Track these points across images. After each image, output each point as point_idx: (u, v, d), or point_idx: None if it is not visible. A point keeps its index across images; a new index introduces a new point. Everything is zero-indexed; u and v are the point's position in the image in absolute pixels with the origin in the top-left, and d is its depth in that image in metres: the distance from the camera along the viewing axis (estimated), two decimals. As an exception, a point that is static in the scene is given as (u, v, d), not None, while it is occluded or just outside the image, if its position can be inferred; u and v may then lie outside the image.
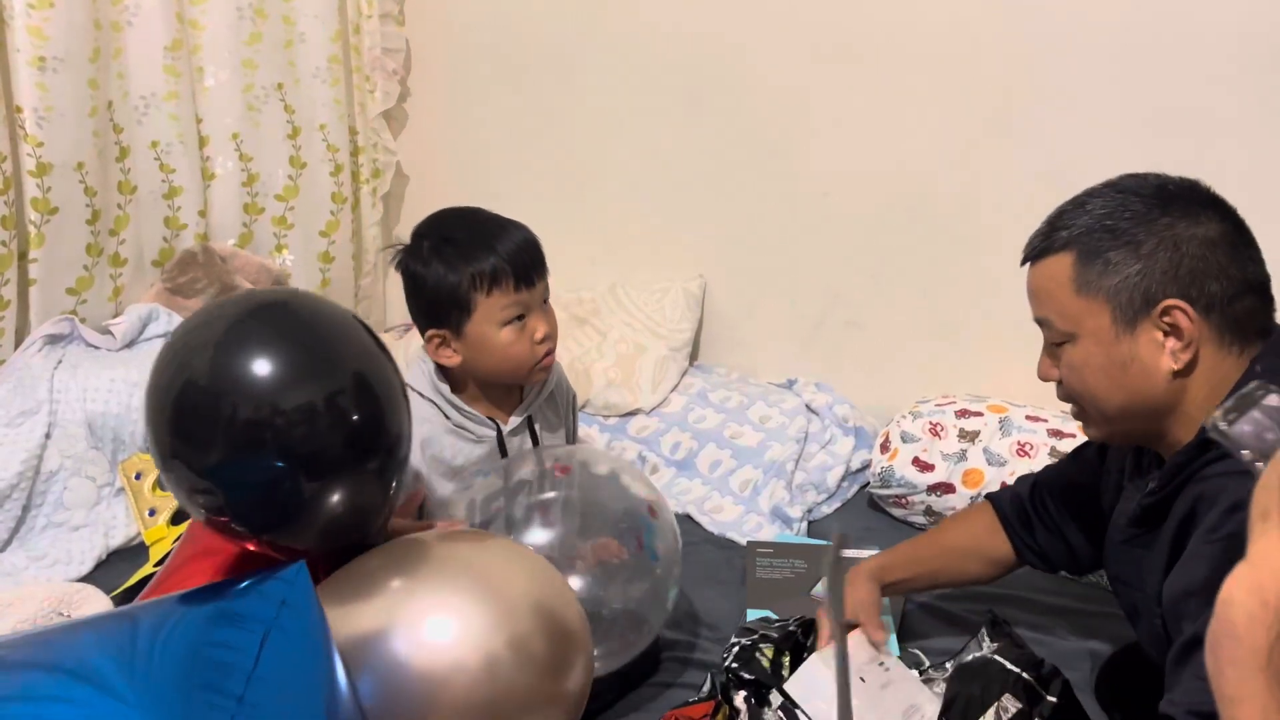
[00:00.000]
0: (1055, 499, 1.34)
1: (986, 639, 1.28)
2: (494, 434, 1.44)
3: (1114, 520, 1.19)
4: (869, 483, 1.94)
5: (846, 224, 2.12)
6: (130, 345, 1.96)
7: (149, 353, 1.94)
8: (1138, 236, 1.04)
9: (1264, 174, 1.70)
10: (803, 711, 1.19)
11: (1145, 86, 1.78)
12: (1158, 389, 1.05)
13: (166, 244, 2.18)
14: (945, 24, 1.92)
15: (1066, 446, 1.68)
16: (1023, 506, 1.37)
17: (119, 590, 1.58)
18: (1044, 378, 1.15)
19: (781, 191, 2.17)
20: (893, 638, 1.43)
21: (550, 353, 1.42)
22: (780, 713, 1.19)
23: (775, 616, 1.41)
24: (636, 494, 1.38)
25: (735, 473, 2.00)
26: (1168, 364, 1.04)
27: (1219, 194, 1.07)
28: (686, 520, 1.89)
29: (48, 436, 1.77)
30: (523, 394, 1.50)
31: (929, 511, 1.83)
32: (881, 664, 1.25)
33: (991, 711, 1.15)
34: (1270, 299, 1.07)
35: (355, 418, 1.01)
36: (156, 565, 1.61)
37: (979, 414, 1.86)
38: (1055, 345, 1.12)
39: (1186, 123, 1.74)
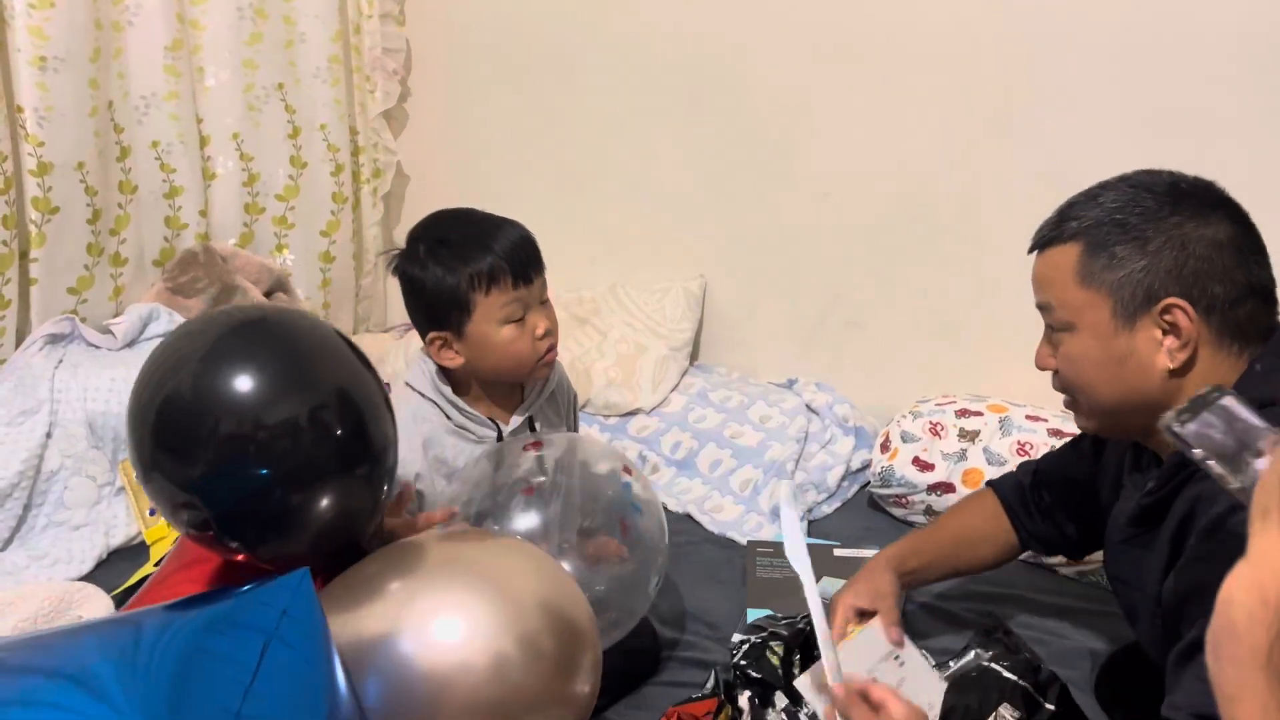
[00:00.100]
0: (1052, 490, 1.35)
1: (978, 647, 1.27)
2: (495, 434, 1.44)
3: (1113, 519, 1.19)
4: (869, 482, 1.94)
5: (847, 224, 2.12)
6: (131, 345, 1.96)
7: (149, 353, 1.95)
8: (1146, 233, 1.04)
9: (1264, 174, 1.70)
10: (807, 712, 1.18)
11: (1145, 86, 1.78)
12: (1152, 386, 1.06)
13: (167, 244, 2.18)
14: (945, 24, 1.92)
15: (1066, 446, 1.68)
16: (1024, 494, 1.38)
17: (119, 589, 1.59)
18: (1041, 366, 1.16)
19: (782, 191, 2.17)
20: None
21: (552, 348, 1.42)
22: (784, 714, 1.19)
23: (779, 616, 1.41)
24: (614, 465, 1.38)
25: (735, 472, 2.00)
26: (1164, 362, 1.05)
27: (1232, 197, 1.07)
28: (687, 520, 1.89)
29: (48, 436, 1.78)
30: (524, 394, 1.50)
31: (929, 511, 1.83)
32: (897, 658, 1.23)
33: None
34: (1274, 304, 1.07)
35: (339, 431, 1.00)
36: (157, 564, 1.61)
37: (979, 414, 1.86)
38: (1054, 332, 1.12)
39: (1186, 123, 1.74)
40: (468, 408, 1.43)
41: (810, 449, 2.03)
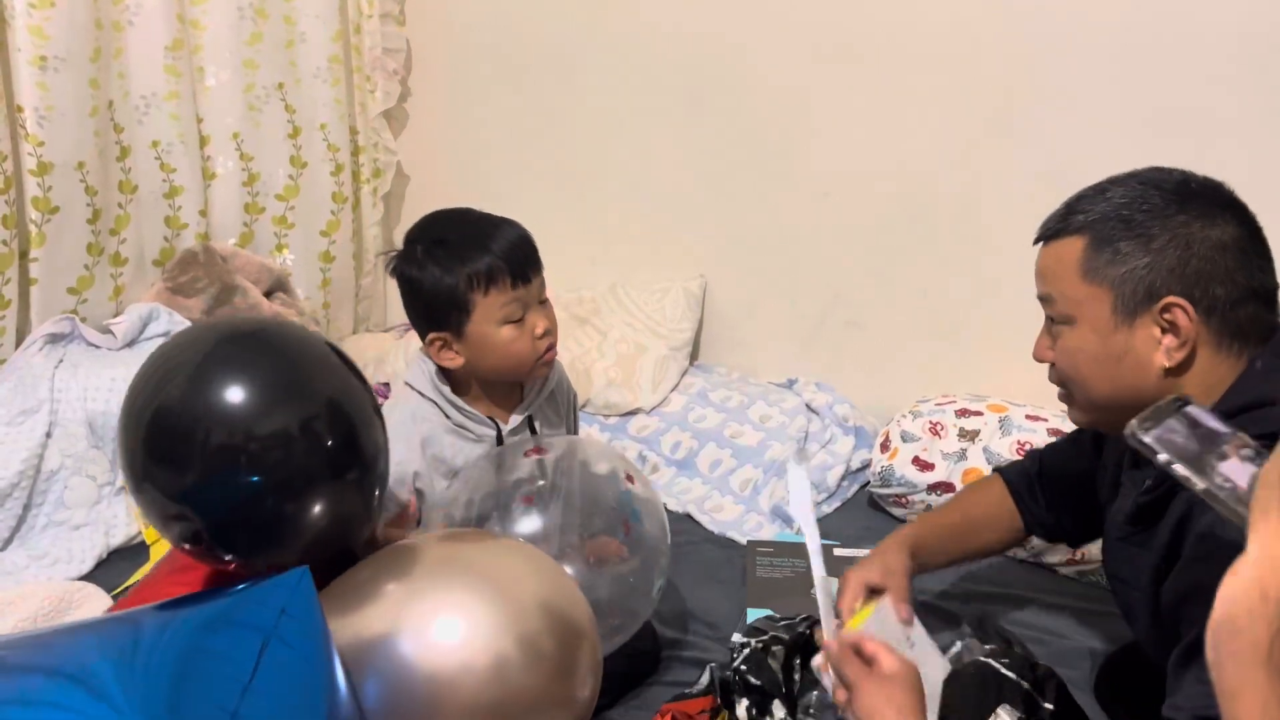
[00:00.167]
0: (1054, 482, 1.36)
1: (972, 638, 1.27)
2: (494, 433, 1.44)
3: (1111, 516, 1.19)
4: (869, 482, 1.94)
5: (847, 224, 2.12)
6: (131, 345, 1.96)
7: (149, 352, 1.94)
8: (1151, 230, 1.04)
9: (1265, 174, 1.70)
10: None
11: (1145, 86, 1.78)
12: (1148, 384, 1.06)
13: (167, 243, 2.18)
14: (945, 24, 1.93)
15: (1066, 446, 1.68)
16: (1030, 482, 1.39)
17: (119, 589, 1.59)
18: (1038, 358, 1.16)
19: (782, 191, 2.17)
20: None
21: (551, 348, 1.42)
22: None
23: (778, 617, 1.41)
24: (613, 468, 1.38)
25: (735, 472, 2.00)
26: (1161, 360, 1.05)
27: (1240, 199, 1.07)
28: (687, 519, 1.89)
29: (48, 435, 1.78)
30: (523, 393, 1.50)
31: (929, 510, 1.83)
32: (909, 638, 1.23)
33: None
34: (1275, 307, 1.07)
35: (330, 442, 1.00)
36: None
37: (979, 413, 1.86)
38: (1053, 325, 1.13)
39: (1186, 123, 1.74)
40: (467, 407, 1.43)
41: (810, 449, 2.03)
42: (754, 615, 1.50)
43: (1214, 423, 0.82)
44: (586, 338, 2.27)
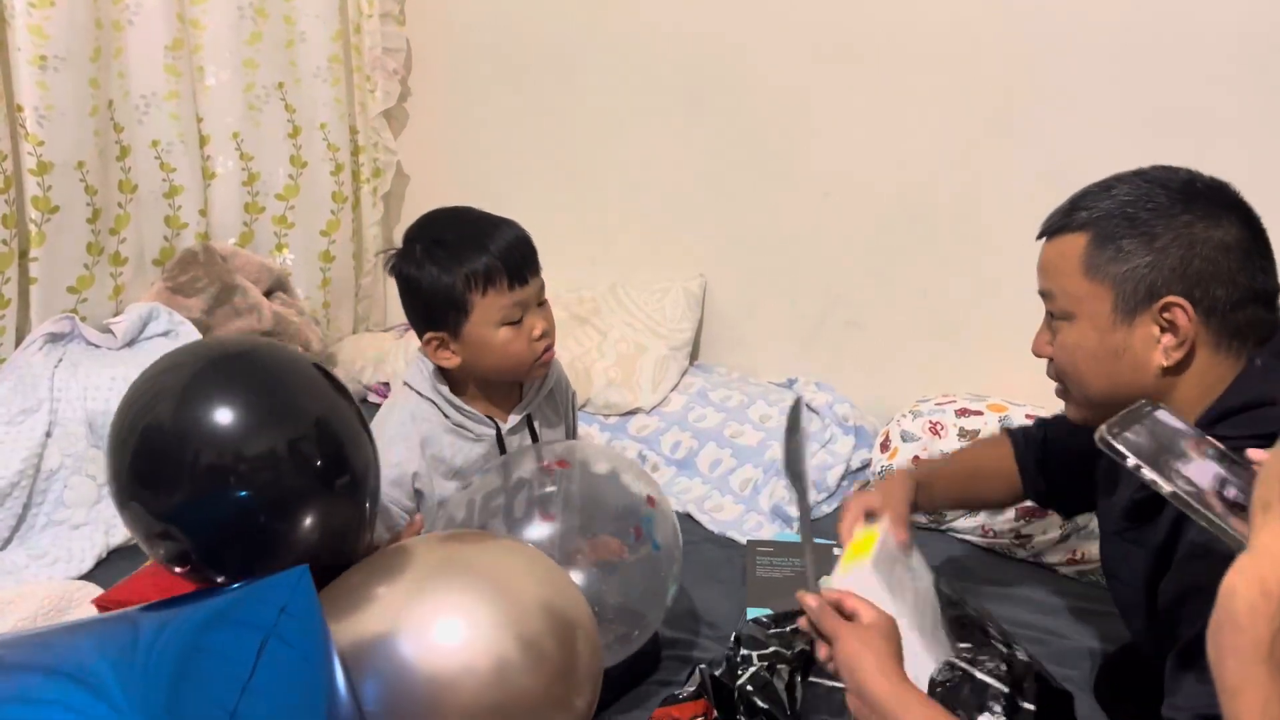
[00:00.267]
0: (1056, 453, 1.37)
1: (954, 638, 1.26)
2: (493, 433, 1.44)
3: (1108, 510, 1.19)
4: (869, 482, 1.94)
5: (847, 224, 2.12)
6: (131, 344, 1.96)
7: (149, 352, 1.95)
8: (1154, 229, 1.04)
9: (1265, 174, 1.69)
10: None
11: (1145, 86, 1.78)
12: (1145, 383, 1.06)
13: (167, 243, 2.18)
14: (945, 24, 1.93)
15: (1066, 446, 1.68)
16: (1034, 449, 1.40)
17: (119, 589, 1.58)
18: (1037, 353, 1.17)
19: (782, 191, 2.17)
20: None
21: (549, 349, 1.42)
22: None
23: (767, 621, 1.40)
24: (636, 489, 1.38)
25: (735, 472, 2.00)
26: (1159, 360, 1.05)
27: (1245, 200, 1.07)
28: (687, 519, 1.89)
29: (48, 435, 1.78)
30: (522, 392, 1.50)
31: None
32: (907, 564, 1.25)
33: None
34: (1275, 310, 1.07)
35: (318, 462, 0.99)
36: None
37: (979, 413, 1.86)
38: (1053, 320, 1.13)
39: (1186, 123, 1.74)
40: (466, 406, 1.43)
41: (810, 448, 2.03)
42: (754, 614, 1.50)
43: (1181, 426, 0.83)
44: (586, 337, 2.27)
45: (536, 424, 1.50)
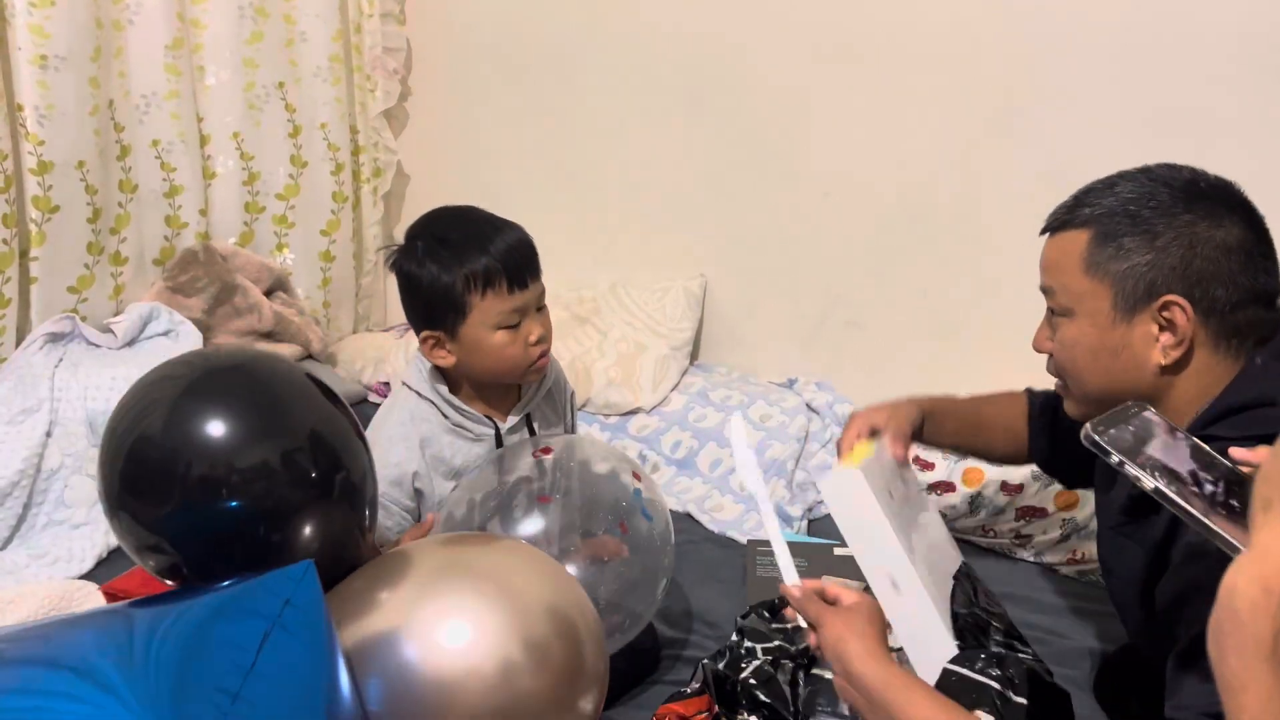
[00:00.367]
0: (1065, 430, 1.36)
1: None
2: (492, 432, 1.44)
3: (1106, 505, 1.20)
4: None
5: (847, 224, 2.12)
6: (131, 344, 1.97)
7: (150, 351, 1.95)
8: (1156, 227, 1.04)
9: (1265, 174, 1.69)
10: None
11: (1145, 86, 1.78)
12: (1143, 381, 1.06)
13: (167, 243, 2.18)
14: (945, 24, 1.93)
15: (1066, 446, 1.68)
16: (1046, 413, 1.40)
17: (119, 588, 1.58)
18: (1037, 348, 1.18)
19: (782, 191, 2.17)
20: None
21: (544, 355, 1.42)
22: None
23: (767, 613, 1.40)
24: (622, 473, 1.39)
25: (736, 472, 2.00)
26: (1157, 358, 1.05)
27: (1250, 200, 1.07)
28: (687, 519, 1.89)
29: (49, 434, 1.78)
30: (520, 393, 1.50)
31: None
32: (902, 477, 1.27)
33: None
34: (1276, 310, 1.07)
35: (313, 474, 0.99)
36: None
37: (979, 413, 1.86)
38: (1054, 316, 1.13)
39: (1186, 123, 1.74)
40: (465, 406, 1.43)
41: (811, 448, 2.03)
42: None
43: (1166, 426, 0.84)
44: (587, 337, 2.27)
45: (535, 424, 1.50)
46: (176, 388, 0.98)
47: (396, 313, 2.64)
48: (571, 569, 1.25)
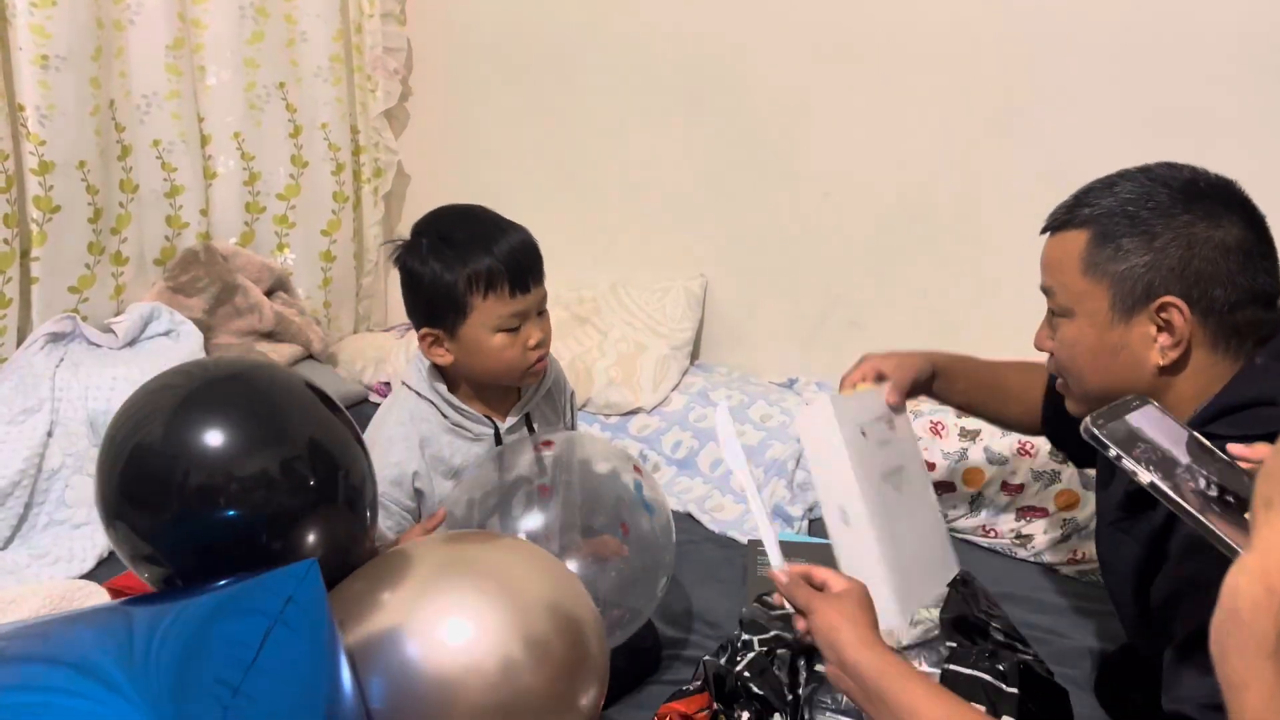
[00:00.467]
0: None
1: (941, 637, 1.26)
2: (491, 432, 1.44)
3: (1105, 501, 1.20)
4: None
5: (847, 224, 2.13)
6: (132, 344, 1.97)
7: (151, 351, 1.95)
8: (1154, 228, 1.04)
9: (1265, 174, 1.70)
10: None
11: (1145, 86, 1.78)
12: (1142, 381, 1.06)
13: (168, 243, 2.18)
14: (945, 24, 1.93)
15: (1066, 446, 1.68)
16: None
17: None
18: (1038, 347, 1.19)
19: (782, 191, 2.18)
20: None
21: (542, 359, 1.42)
22: None
23: (771, 602, 1.40)
24: (623, 468, 1.39)
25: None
26: (1155, 359, 1.05)
27: (1250, 199, 1.07)
28: (688, 519, 1.89)
29: (50, 434, 1.78)
30: (520, 393, 1.50)
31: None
32: (890, 423, 1.29)
33: None
34: (1277, 310, 1.07)
35: (312, 482, 0.99)
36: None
37: (979, 413, 1.86)
38: (1054, 316, 1.14)
39: (1186, 123, 1.75)
40: (464, 406, 1.43)
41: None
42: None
43: (1167, 420, 0.84)
44: (587, 337, 2.27)
45: (535, 424, 1.50)
46: (175, 397, 0.98)
47: (397, 313, 2.64)
48: (572, 565, 1.25)
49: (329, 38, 2.33)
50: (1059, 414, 1.38)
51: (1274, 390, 1.00)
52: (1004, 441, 1.80)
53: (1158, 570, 1.04)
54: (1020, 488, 1.77)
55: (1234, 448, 0.81)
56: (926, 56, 1.96)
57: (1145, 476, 0.78)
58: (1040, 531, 1.74)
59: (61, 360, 1.86)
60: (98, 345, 1.93)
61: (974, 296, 2.03)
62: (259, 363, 1.16)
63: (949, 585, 1.34)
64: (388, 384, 2.29)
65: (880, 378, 1.33)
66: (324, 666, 0.88)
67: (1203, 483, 0.79)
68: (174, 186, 2.16)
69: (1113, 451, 0.80)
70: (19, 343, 1.91)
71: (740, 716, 1.21)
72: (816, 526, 1.89)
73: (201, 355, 1.99)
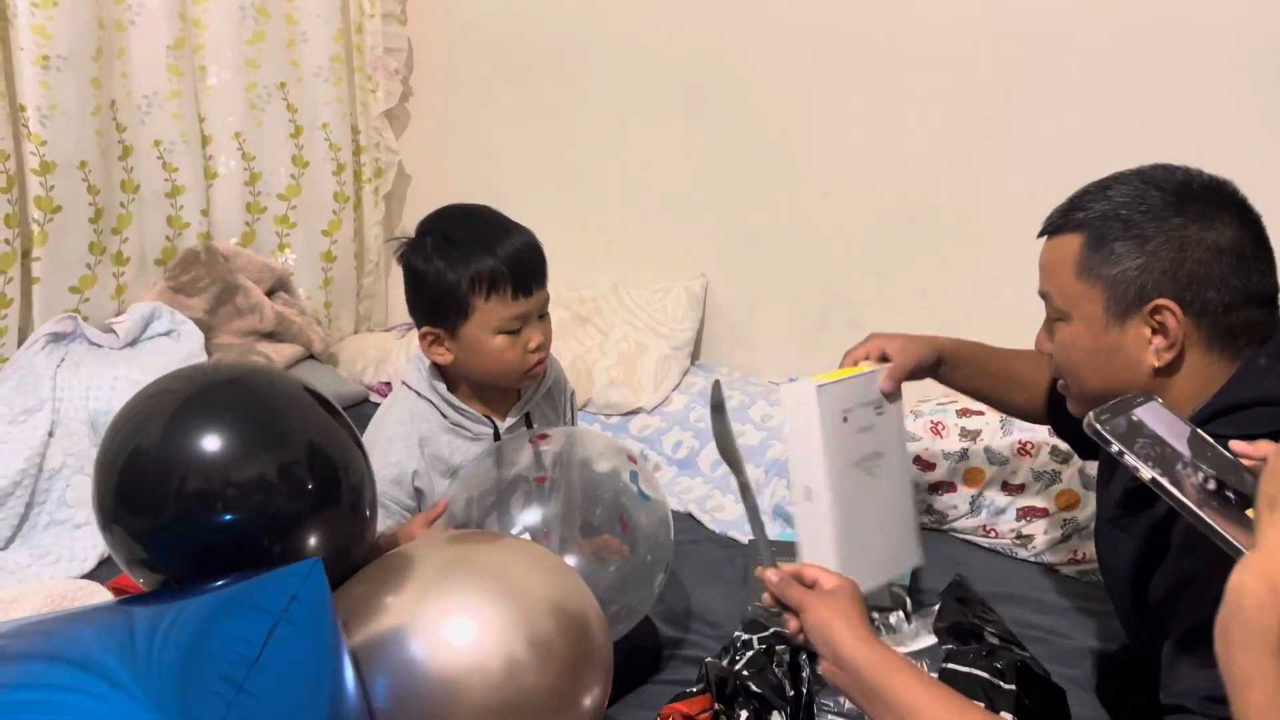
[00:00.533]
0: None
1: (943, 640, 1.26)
2: (491, 432, 1.45)
3: (1105, 500, 1.20)
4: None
5: (847, 224, 2.13)
6: (133, 344, 1.97)
7: (152, 351, 1.95)
8: (1147, 231, 1.05)
9: (1264, 174, 1.70)
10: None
11: (1145, 86, 1.78)
12: (1139, 382, 1.07)
13: (169, 243, 2.19)
14: (945, 24, 1.93)
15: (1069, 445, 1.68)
16: None
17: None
18: (1038, 349, 1.19)
19: (782, 191, 2.18)
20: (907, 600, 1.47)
21: (542, 361, 1.42)
22: None
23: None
24: (620, 461, 1.39)
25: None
26: (1151, 361, 1.06)
27: (1246, 200, 1.07)
28: (688, 519, 1.89)
29: (51, 434, 1.78)
30: (520, 392, 1.50)
31: (930, 511, 1.83)
32: (878, 409, 1.31)
33: None
34: (1275, 310, 1.07)
35: (310, 486, 0.99)
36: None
37: (980, 413, 1.86)
38: (1052, 320, 1.15)
39: (1186, 123, 1.75)
40: (464, 405, 1.43)
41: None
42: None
43: (1170, 417, 0.84)
44: (588, 337, 2.27)
45: (535, 424, 1.50)
46: (173, 401, 0.98)
47: (397, 313, 2.64)
48: (570, 560, 1.25)
49: (330, 38, 2.33)
50: (1063, 404, 1.39)
51: (1274, 390, 1.00)
52: (1004, 441, 1.80)
53: (1156, 566, 1.04)
54: (1021, 488, 1.77)
55: (1237, 445, 0.81)
56: (926, 56, 1.96)
57: (1146, 472, 0.79)
58: (1041, 532, 1.74)
59: (62, 360, 1.86)
60: (99, 345, 1.93)
61: (974, 296, 2.03)
62: (257, 367, 1.16)
63: (942, 594, 1.34)
64: (388, 384, 2.29)
65: (884, 358, 1.34)
66: (328, 665, 0.88)
67: (1204, 479, 0.79)
68: (175, 186, 2.16)
69: (1114, 447, 0.81)
70: (20, 343, 1.92)
71: (739, 715, 1.21)
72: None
73: (202, 355, 1.99)
